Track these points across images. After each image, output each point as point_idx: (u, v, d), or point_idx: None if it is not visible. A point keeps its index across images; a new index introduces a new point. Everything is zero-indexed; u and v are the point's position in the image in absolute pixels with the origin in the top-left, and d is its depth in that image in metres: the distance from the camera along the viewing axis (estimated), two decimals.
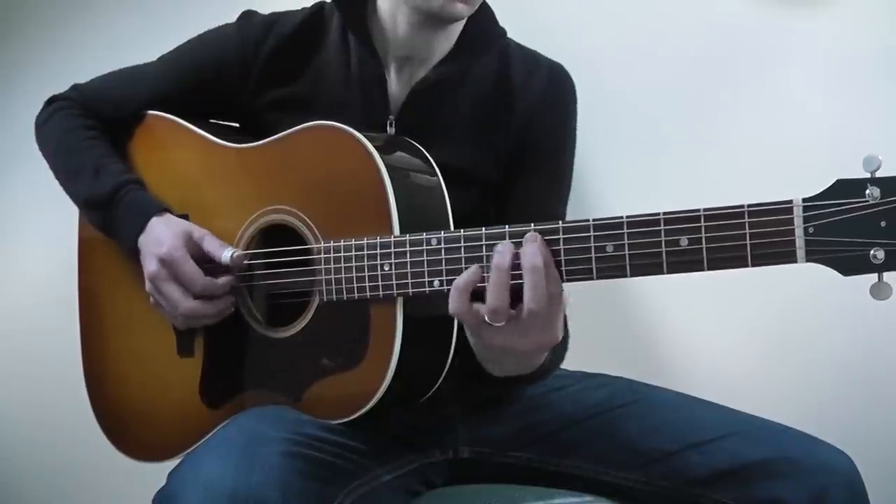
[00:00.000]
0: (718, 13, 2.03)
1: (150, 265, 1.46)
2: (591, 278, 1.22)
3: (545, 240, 1.21)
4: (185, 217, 1.52)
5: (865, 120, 1.93)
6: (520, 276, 1.20)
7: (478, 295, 1.22)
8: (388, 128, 1.56)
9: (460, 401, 1.56)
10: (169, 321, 1.51)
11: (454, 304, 1.22)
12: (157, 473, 1.34)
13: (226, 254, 1.44)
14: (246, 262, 1.47)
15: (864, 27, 1.96)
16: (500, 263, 1.20)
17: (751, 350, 2.01)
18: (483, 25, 1.59)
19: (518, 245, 1.21)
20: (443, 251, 1.29)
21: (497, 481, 1.53)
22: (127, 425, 1.60)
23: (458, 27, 1.57)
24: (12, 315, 2.36)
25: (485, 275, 1.23)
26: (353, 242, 1.35)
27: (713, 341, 2.03)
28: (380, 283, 1.33)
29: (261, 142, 1.51)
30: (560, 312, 1.22)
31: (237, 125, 1.65)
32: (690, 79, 2.03)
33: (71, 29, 2.32)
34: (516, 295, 1.20)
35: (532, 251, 1.19)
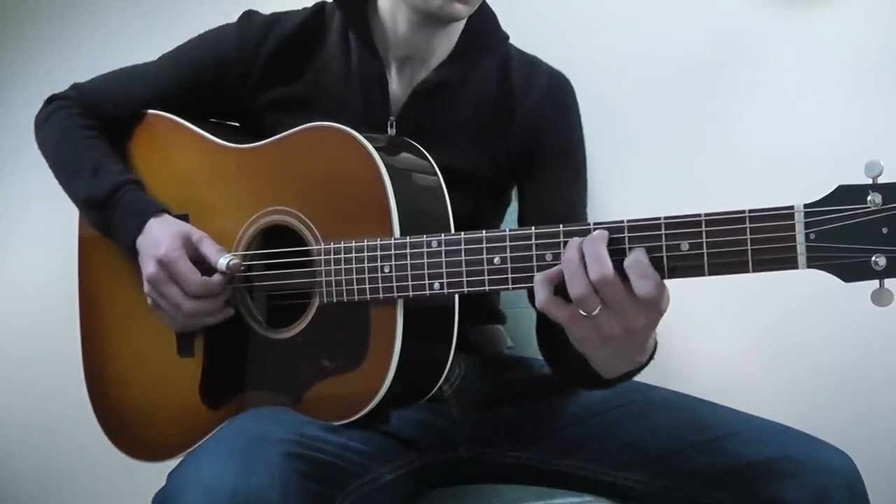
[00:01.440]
0: (718, 15, 2.03)
1: (148, 267, 1.46)
2: None
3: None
4: (184, 217, 1.52)
5: (867, 120, 1.93)
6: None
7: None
8: (388, 128, 1.55)
9: (460, 401, 1.56)
10: (167, 323, 1.51)
11: (539, 297, 1.21)
12: (157, 473, 1.33)
13: (222, 261, 1.44)
14: (246, 262, 1.47)
15: (865, 27, 1.96)
16: (569, 256, 1.18)
17: (752, 352, 2.02)
18: (485, 27, 1.59)
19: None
20: (443, 254, 1.30)
21: (497, 481, 1.53)
22: (127, 425, 1.60)
23: (459, 28, 1.57)
24: (11, 315, 2.36)
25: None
26: (354, 244, 1.35)
27: (714, 343, 2.04)
28: (380, 284, 1.33)
29: (261, 142, 1.50)
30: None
31: (237, 125, 1.65)
32: (691, 81, 2.04)
33: (70, 27, 2.33)
34: None
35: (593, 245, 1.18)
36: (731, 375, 2.00)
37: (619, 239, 1.18)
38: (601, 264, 1.16)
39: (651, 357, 1.30)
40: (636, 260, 1.16)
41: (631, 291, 1.16)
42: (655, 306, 1.17)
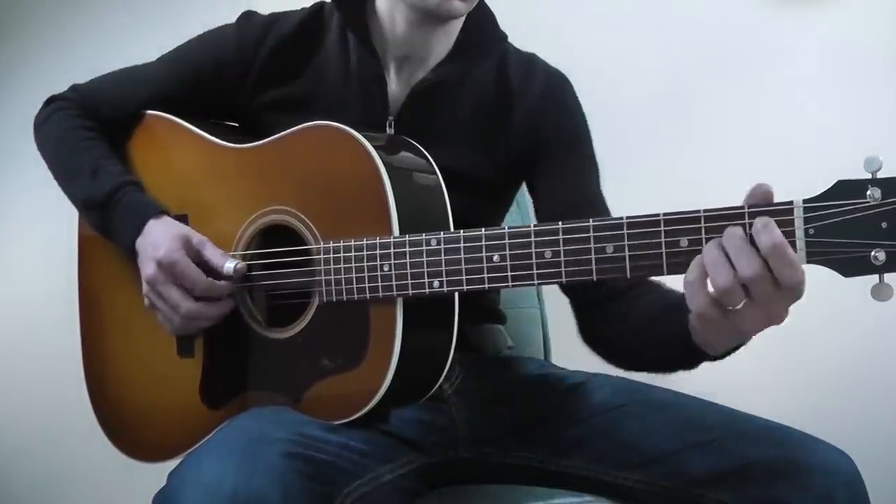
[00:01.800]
0: (718, 14, 2.04)
1: (147, 268, 1.46)
2: (591, 279, 1.22)
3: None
4: (183, 217, 1.52)
5: (866, 118, 1.93)
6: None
7: None
8: (387, 128, 1.56)
9: (460, 400, 1.56)
10: (163, 325, 1.51)
11: (697, 302, 1.17)
12: (157, 473, 1.33)
13: (228, 265, 1.43)
14: (246, 262, 1.46)
15: (864, 25, 1.96)
16: (707, 250, 1.14)
17: (751, 350, 2.00)
18: (483, 27, 1.59)
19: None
20: (442, 252, 1.30)
21: (497, 481, 1.53)
22: (127, 425, 1.60)
23: (457, 27, 1.57)
24: (11, 316, 2.36)
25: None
26: (353, 243, 1.35)
27: None
28: (379, 283, 1.33)
29: (260, 142, 1.50)
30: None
31: (236, 125, 1.65)
32: (690, 78, 2.04)
33: (68, 28, 2.33)
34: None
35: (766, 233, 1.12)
36: (732, 375, 1.98)
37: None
38: (750, 263, 1.11)
39: None
40: (777, 245, 1.10)
41: (777, 284, 1.12)
42: (799, 293, 1.14)
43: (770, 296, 1.13)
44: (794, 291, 1.14)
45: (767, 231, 1.10)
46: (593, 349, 1.54)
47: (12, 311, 2.37)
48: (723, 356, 1.31)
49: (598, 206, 1.58)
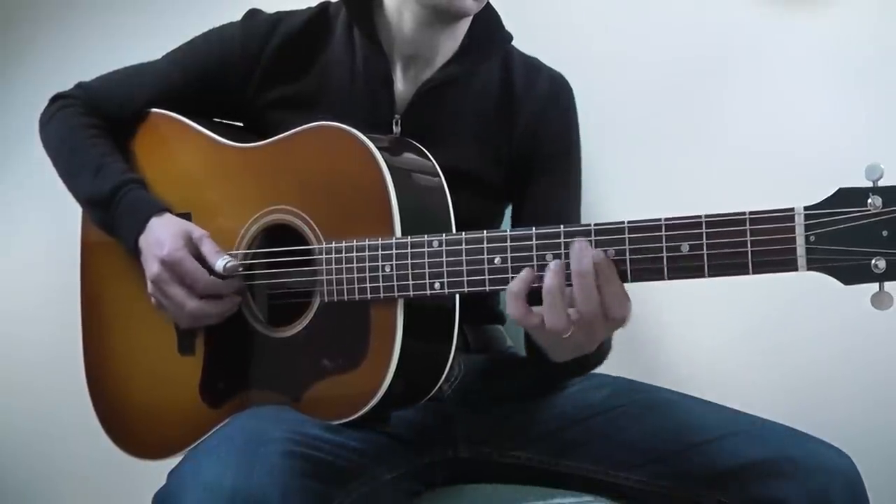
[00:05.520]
0: (719, 16, 2.03)
1: (151, 267, 1.46)
2: None
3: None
4: (187, 216, 1.52)
5: (868, 123, 1.93)
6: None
7: (534, 296, 1.24)
8: (393, 127, 1.56)
9: (460, 400, 1.56)
10: (171, 320, 1.51)
11: (514, 311, 1.24)
12: (157, 472, 1.34)
13: (219, 263, 1.43)
14: (248, 261, 1.47)
15: (866, 28, 1.96)
16: (550, 286, 1.21)
17: (751, 350, 2.02)
18: (489, 27, 1.60)
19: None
20: (444, 253, 1.30)
21: (497, 481, 1.53)
22: (127, 423, 1.60)
23: (464, 27, 1.57)
24: (11, 315, 2.36)
25: (537, 274, 1.23)
26: (355, 243, 1.35)
27: (713, 341, 2.04)
28: (380, 284, 1.33)
29: (264, 141, 1.50)
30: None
31: (241, 125, 1.65)
32: (692, 81, 2.03)
33: (74, 26, 2.32)
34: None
35: (579, 257, 1.20)
36: (730, 375, 2.00)
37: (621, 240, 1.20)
38: (589, 299, 1.20)
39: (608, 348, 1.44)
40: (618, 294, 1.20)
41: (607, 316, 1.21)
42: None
43: (599, 326, 1.22)
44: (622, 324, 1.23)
45: (609, 280, 1.19)
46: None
47: (13, 308, 2.37)
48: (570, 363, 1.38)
49: (572, 219, 1.60)
